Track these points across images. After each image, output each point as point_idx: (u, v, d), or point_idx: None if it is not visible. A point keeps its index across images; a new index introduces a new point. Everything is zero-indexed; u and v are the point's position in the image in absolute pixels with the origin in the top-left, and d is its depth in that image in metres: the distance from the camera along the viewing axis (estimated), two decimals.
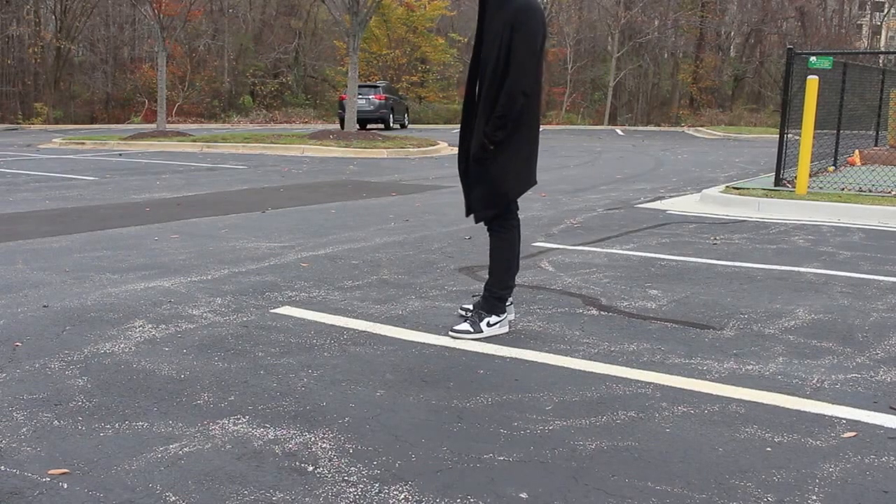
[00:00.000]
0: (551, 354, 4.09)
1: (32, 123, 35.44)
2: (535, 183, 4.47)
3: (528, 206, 9.62)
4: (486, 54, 4.23)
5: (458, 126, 4.52)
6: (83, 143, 22.34)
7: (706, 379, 3.76)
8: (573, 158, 18.61)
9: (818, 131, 10.84)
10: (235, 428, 3.14)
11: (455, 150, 4.53)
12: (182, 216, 8.74)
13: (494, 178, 4.28)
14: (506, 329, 4.44)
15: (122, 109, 39.55)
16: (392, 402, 3.44)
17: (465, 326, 4.38)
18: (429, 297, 5.24)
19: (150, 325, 4.51)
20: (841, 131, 13.48)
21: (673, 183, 13.13)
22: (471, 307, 4.57)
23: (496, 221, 4.43)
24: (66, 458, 2.85)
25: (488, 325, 4.38)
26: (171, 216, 8.73)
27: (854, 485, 2.75)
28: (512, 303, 4.55)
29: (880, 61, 31.96)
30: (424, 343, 4.26)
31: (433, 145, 21.18)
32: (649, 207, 9.94)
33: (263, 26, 45.19)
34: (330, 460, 2.88)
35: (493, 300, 4.43)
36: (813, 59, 10.55)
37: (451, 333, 4.37)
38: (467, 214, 4.54)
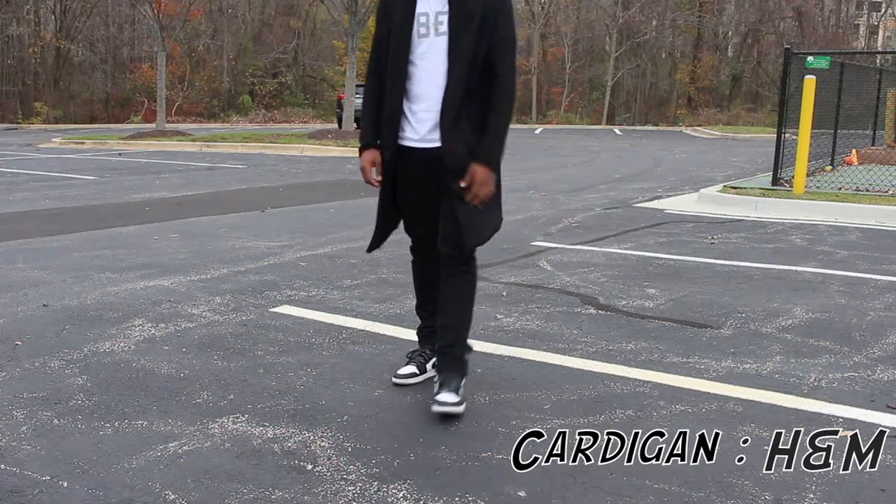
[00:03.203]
0: (549, 353, 4.10)
1: (32, 123, 35.43)
2: None
3: (527, 205, 9.63)
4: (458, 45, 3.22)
5: None
6: (83, 143, 22.32)
7: (704, 378, 3.77)
8: (571, 158, 18.62)
9: (815, 131, 10.86)
10: (235, 426, 3.15)
11: None
12: (181, 215, 8.75)
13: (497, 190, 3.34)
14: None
15: (121, 109, 39.55)
16: (390, 400, 3.45)
17: (454, 398, 3.28)
18: None
19: (149, 324, 4.51)
20: (838, 131, 13.51)
21: (671, 182, 13.14)
22: (435, 374, 3.50)
23: (470, 256, 3.41)
24: (66, 457, 2.86)
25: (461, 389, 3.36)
26: (171, 215, 8.74)
27: (851, 483, 2.76)
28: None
29: (877, 61, 32.00)
30: None
31: None
32: (647, 207, 9.95)
33: (262, 26, 45.18)
34: (329, 459, 2.89)
35: (463, 359, 3.42)
36: (810, 58, 10.57)
37: (440, 409, 3.26)
38: (449, 245, 3.35)
